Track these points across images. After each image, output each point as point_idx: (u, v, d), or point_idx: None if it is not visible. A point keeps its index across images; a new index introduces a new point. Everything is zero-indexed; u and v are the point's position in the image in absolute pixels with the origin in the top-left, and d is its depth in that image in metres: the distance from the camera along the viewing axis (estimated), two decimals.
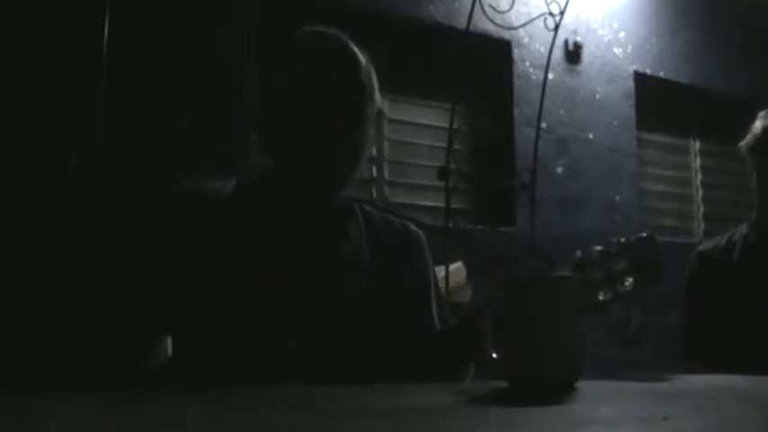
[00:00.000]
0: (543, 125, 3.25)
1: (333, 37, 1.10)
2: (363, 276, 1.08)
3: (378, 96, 1.13)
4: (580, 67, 3.62)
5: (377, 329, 1.04)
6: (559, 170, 3.48)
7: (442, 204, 2.92)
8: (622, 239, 0.91)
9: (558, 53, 3.49)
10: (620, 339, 3.17)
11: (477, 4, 2.83)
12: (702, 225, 4.12)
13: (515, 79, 3.43)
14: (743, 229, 1.88)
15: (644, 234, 0.91)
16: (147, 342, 1.07)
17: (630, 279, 0.89)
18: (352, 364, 0.97)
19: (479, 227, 3.19)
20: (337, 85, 1.05)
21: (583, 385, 0.78)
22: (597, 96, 3.66)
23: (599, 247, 0.92)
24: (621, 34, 3.80)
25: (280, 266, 1.03)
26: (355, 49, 1.09)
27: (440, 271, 2.21)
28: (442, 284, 1.88)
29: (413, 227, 1.20)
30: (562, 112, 3.52)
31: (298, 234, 1.07)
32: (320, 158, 1.05)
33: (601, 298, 0.91)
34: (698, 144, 4.21)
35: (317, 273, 1.05)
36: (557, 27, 2.97)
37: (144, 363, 1.06)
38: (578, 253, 0.93)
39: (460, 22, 3.08)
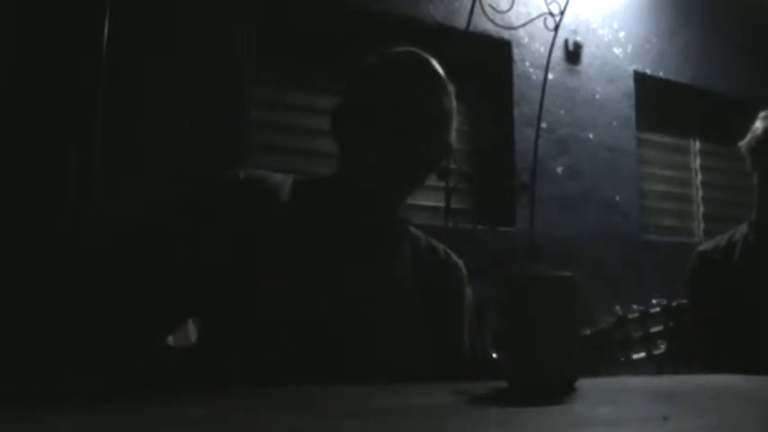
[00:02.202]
0: (543, 125, 3.26)
1: (415, 58, 1.13)
2: (404, 294, 1.10)
3: (453, 123, 1.15)
4: (580, 67, 3.62)
5: (406, 347, 1.06)
6: (559, 170, 3.47)
7: (442, 204, 2.92)
8: (663, 302, 0.94)
9: (558, 53, 3.49)
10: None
11: (477, 4, 2.84)
12: (702, 225, 4.11)
13: (515, 79, 3.42)
14: (743, 229, 1.88)
15: (684, 301, 0.95)
16: (168, 324, 1.04)
17: (665, 342, 0.93)
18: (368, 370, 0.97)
19: (479, 227, 3.19)
20: (403, 106, 1.07)
21: (583, 385, 0.78)
22: (597, 96, 3.66)
23: (638, 306, 0.96)
24: (621, 34, 3.80)
25: (323, 271, 1.03)
26: (439, 74, 1.13)
27: None
28: None
29: (455, 256, 1.24)
30: (562, 111, 3.52)
31: (346, 241, 1.08)
32: (375, 174, 1.07)
33: (634, 357, 0.95)
34: (698, 144, 4.20)
35: (359, 283, 1.06)
36: (557, 27, 2.98)
37: (160, 343, 1.05)
38: (618, 308, 0.96)
39: (460, 22, 3.08)
